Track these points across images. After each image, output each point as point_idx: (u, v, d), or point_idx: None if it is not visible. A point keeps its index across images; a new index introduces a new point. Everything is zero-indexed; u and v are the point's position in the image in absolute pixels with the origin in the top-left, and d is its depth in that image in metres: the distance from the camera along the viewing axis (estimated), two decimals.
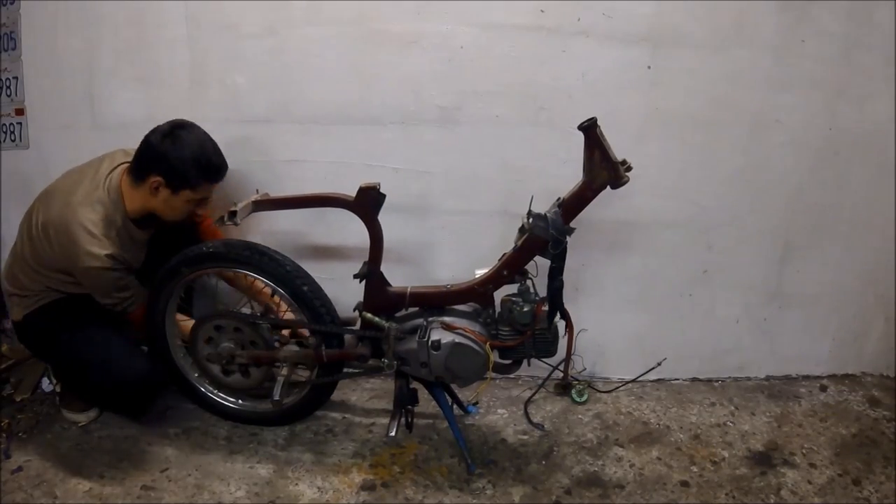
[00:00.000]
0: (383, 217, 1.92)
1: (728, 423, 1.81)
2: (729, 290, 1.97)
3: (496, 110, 1.80)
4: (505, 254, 1.51)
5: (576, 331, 1.78)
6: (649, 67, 1.75)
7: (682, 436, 1.74)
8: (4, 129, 2.06)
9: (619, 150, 1.82)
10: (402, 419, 1.60)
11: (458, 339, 1.47)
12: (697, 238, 1.92)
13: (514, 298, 1.50)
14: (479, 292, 1.52)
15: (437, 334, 1.48)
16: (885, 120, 1.82)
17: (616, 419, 1.82)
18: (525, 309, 1.47)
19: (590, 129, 1.36)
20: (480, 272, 1.54)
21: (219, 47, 1.84)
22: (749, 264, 1.95)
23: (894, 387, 2.00)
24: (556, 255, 1.43)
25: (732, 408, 1.88)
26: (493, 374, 1.52)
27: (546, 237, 1.42)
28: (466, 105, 1.79)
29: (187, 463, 1.61)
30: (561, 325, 1.55)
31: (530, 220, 1.45)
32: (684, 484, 1.54)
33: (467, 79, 1.77)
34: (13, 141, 2.06)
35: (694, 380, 2.04)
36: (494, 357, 1.51)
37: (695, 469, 1.60)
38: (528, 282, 1.50)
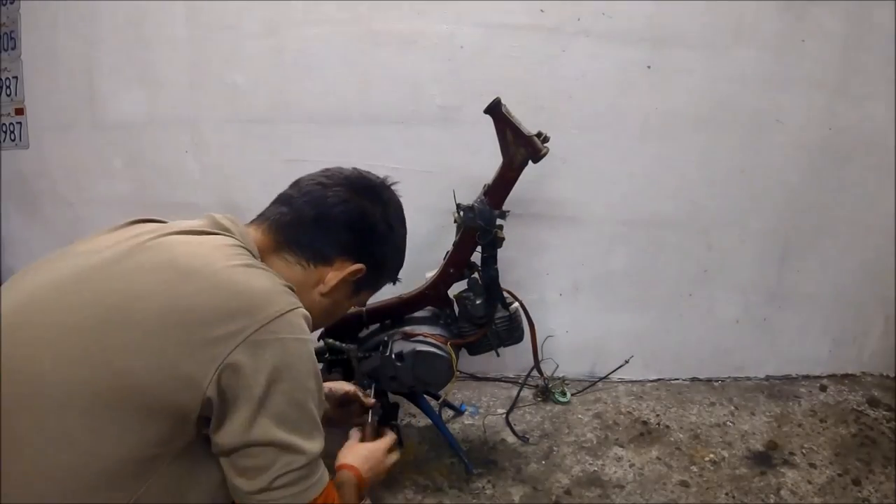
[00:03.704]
0: None
1: (728, 423, 1.81)
2: (729, 290, 1.97)
3: None
4: (448, 251, 1.51)
5: (543, 337, 1.79)
6: (649, 67, 1.75)
7: (682, 436, 1.74)
8: (4, 129, 2.06)
9: (619, 150, 1.84)
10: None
11: (418, 346, 1.45)
12: (697, 238, 1.92)
13: (464, 294, 1.50)
14: (431, 296, 1.52)
15: (398, 346, 1.46)
16: (885, 120, 1.82)
17: (616, 419, 1.81)
18: (478, 302, 1.47)
19: (495, 109, 1.36)
20: (430, 274, 1.53)
21: (219, 47, 1.84)
22: (749, 264, 1.95)
23: (894, 387, 2.00)
24: (487, 245, 1.43)
25: (732, 408, 1.88)
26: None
27: (475, 227, 1.41)
28: (466, 105, 1.79)
29: None
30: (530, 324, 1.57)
31: (460, 213, 1.44)
32: (684, 484, 1.54)
33: (467, 79, 1.77)
34: (13, 141, 2.06)
35: (694, 380, 2.04)
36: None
37: (695, 469, 1.60)
38: (476, 274, 1.49)
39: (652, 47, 1.74)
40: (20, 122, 2.04)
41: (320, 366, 1.58)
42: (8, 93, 2.03)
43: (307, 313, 0.74)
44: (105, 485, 0.64)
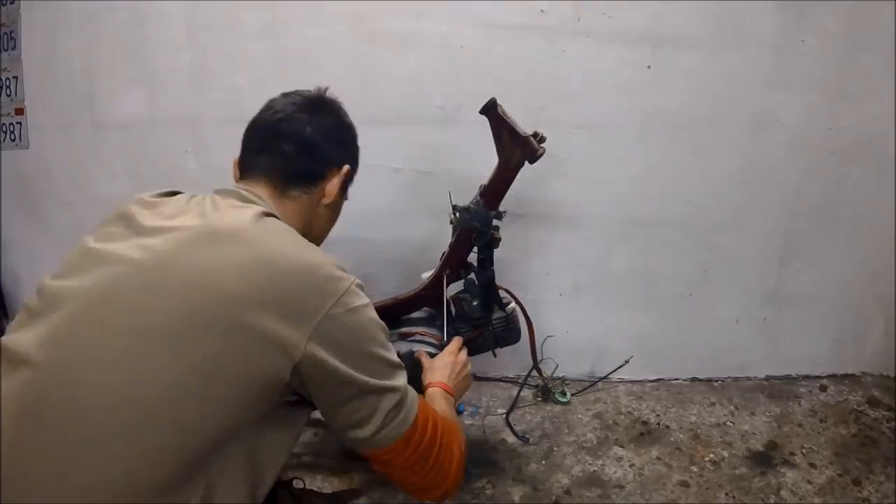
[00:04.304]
0: (385, 217, 1.92)
1: (728, 423, 1.81)
2: (729, 290, 1.97)
3: None
4: (444, 253, 1.51)
5: (542, 337, 1.79)
6: (649, 67, 1.75)
7: (682, 436, 1.74)
8: (4, 129, 2.06)
9: (619, 150, 1.84)
10: None
11: (415, 347, 1.45)
12: (697, 238, 1.92)
13: (461, 295, 1.50)
14: (427, 296, 1.52)
15: (395, 347, 1.46)
16: (885, 120, 1.82)
17: (616, 419, 1.82)
18: (474, 303, 1.47)
19: (491, 110, 1.37)
20: (427, 275, 1.53)
21: (219, 47, 1.84)
22: (749, 264, 1.95)
23: (894, 387, 2.00)
24: (483, 246, 1.43)
25: (732, 408, 1.88)
26: None
27: (471, 228, 1.42)
28: (466, 105, 1.79)
29: None
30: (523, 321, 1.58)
31: (456, 214, 1.44)
32: (684, 484, 1.54)
33: (467, 79, 1.77)
34: (13, 141, 2.06)
35: (694, 380, 2.04)
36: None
37: (695, 469, 1.60)
38: (472, 275, 1.49)
39: (652, 47, 1.74)
40: (20, 122, 2.04)
41: None
42: (8, 93, 2.03)
43: (360, 282, 0.85)
44: (193, 456, 0.70)
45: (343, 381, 0.78)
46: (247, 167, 0.99)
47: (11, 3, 1.96)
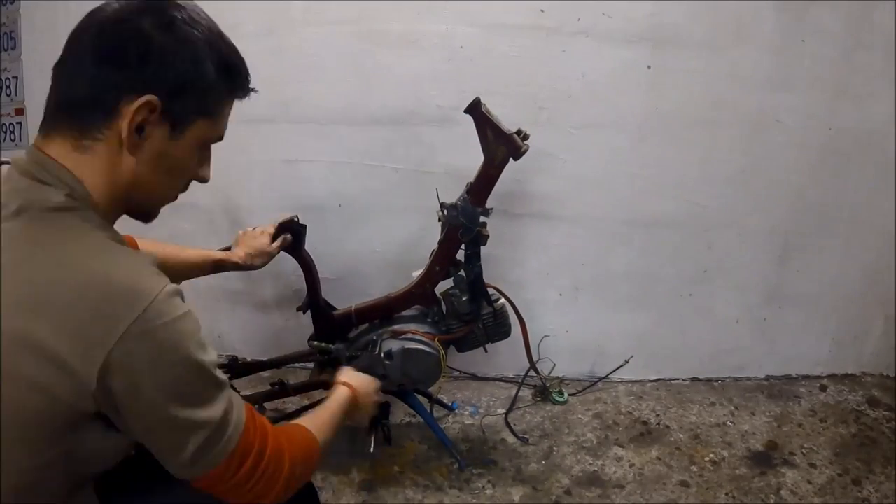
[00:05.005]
0: (385, 217, 1.92)
1: (728, 423, 1.81)
2: (729, 290, 1.97)
3: (496, 110, 1.79)
4: (433, 250, 1.51)
5: (538, 338, 1.80)
6: (649, 67, 1.75)
7: (682, 436, 1.74)
8: (4, 129, 2.06)
9: (619, 150, 1.84)
10: (380, 433, 1.60)
11: (407, 344, 1.46)
12: (697, 238, 1.92)
13: (451, 291, 1.51)
14: (418, 294, 1.53)
15: (387, 345, 1.47)
16: (885, 120, 1.82)
17: (616, 419, 1.82)
18: (464, 299, 1.48)
19: (475, 109, 1.38)
20: (417, 273, 1.54)
21: None
22: (749, 264, 1.95)
23: (894, 387, 2.00)
24: (471, 242, 1.44)
25: (732, 408, 1.88)
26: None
27: (458, 225, 1.42)
28: (466, 105, 1.79)
29: None
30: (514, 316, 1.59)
31: (444, 211, 1.45)
32: (684, 484, 1.55)
33: (467, 79, 1.77)
34: (13, 141, 2.06)
35: (694, 380, 2.04)
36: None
37: (695, 469, 1.60)
38: (461, 272, 1.50)
39: (652, 47, 1.74)
40: (20, 122, 2.04)
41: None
42: (8, 93, 2.03)
43: (177, 287, 0.67)
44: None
45: (148, 410, 0.65)
46: (44, 115, 0.71)
47: (11, 3, 1.95)
